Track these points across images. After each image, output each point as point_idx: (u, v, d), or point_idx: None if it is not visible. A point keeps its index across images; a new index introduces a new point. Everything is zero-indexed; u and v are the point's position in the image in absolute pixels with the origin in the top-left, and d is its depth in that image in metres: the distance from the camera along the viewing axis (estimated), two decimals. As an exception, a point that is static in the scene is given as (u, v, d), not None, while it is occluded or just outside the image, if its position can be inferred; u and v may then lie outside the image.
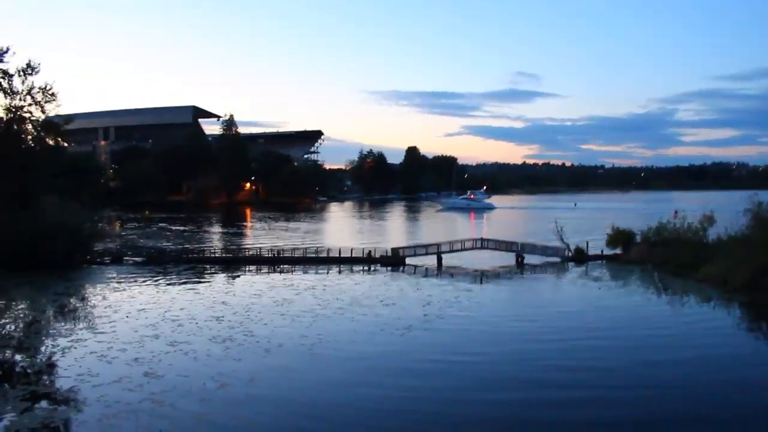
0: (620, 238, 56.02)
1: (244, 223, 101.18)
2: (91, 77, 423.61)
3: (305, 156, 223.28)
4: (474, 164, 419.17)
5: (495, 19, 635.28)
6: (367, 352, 24.78)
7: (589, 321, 30.81)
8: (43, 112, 48.16)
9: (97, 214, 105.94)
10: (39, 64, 46.78)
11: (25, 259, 42.60)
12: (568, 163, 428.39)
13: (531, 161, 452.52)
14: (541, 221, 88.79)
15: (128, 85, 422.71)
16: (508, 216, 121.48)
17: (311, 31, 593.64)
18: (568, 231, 57.98)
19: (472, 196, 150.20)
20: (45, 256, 43.59)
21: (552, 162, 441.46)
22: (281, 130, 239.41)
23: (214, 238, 71.61)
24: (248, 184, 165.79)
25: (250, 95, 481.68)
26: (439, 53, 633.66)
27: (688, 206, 77.00)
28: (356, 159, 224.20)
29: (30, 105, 47.51)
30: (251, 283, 41.61)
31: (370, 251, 51.37)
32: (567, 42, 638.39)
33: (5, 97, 47.05)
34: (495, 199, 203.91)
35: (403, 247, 52.35)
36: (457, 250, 51.31)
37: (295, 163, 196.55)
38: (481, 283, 42.30)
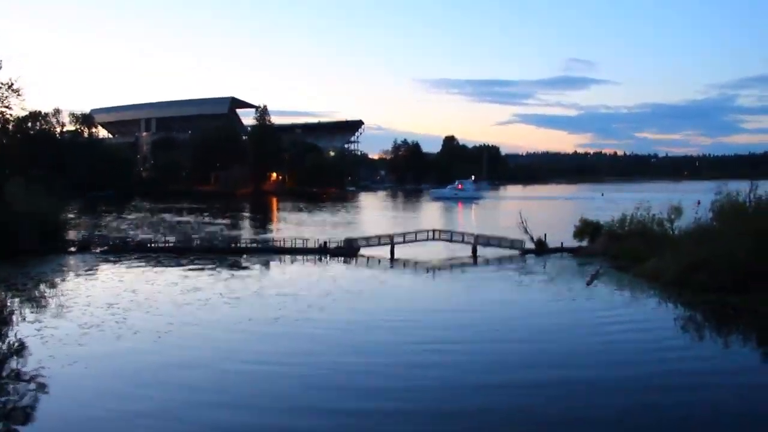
0: (587, 229, 54.94)
1: (249, 214, 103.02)
2: (136, 68, 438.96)
3: (345, 146, 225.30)
4: (524, 153, 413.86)
5: (547, 4, 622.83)
6: (197, 349, 24.42)
7: (462, 325, 28.84)
8: (7, 107, 50.16)
9: (129, 202, 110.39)
10: (0, 61, 48.87)
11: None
12: (621, 152, 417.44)
13: (583, 150, 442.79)
14: (533, 212, 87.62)
15: (174, 75, 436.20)
16: (497, 206, 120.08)
17: (360, 20, 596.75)
18: (564, 222, 57.06)
19: (459, 187, 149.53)
20: (5, 244, 45.74)
21: (605, 151, 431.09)
22: (324, 120, 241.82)
23: (203, 229, 73.25)
24: (275, 174, 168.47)
25: (297, 85, 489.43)
26: (490, 40, 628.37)
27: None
28: (390, 149, 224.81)
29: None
30: (183, 272, 42.55)
31: (325, 242, 51.88)
32: (622, 26, 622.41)
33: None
34: (532, 189, 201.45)
35: (357, 238, 52.65)
36: (410, 241, 51.28)
37: (332, 153, 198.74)
38: (433, 275, 42.80)
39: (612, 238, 51.32)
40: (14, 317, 29.53)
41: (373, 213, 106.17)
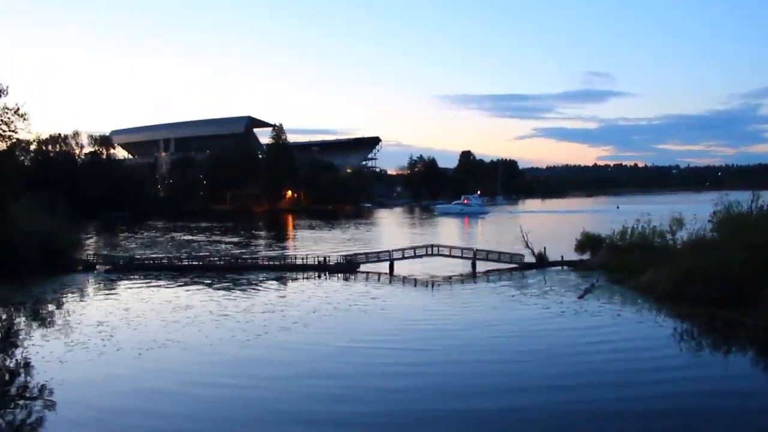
0: (588, 243, 54.63)
1: (261, 232, 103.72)
2: (155, 88, 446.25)
3: (363, 162, 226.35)
4: (544, 167, 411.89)
5: (566, 18, 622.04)
6: (166, 371, 24.59)
7: (444, 345, 27.91)
8: (13, 131, 51.25)
9: (144, 222, 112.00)
10: (7, 87, 50.08)
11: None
12: (641, 164, 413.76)
13: (603, 163, 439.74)
14: (544, 226, 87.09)
15: (192, 95, 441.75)
16: (505, 221, 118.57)
17: (379, 37, 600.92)
18: (571, 236, 56.99)
19: (466, 201, 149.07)
20: (8, 264, 46.62)
21: (625, 163, 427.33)
22: (343, 137, 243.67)
23: (209, 247, 74.01)
24: (290, 192, 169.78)
25: (316, 102, 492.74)
26: (509, 55, 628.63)
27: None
28: (407, 165, 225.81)
29: (1, 124, 50.77)
30: (179, 290, 43.04)
31: (324, 258, 52.19)
32: (641, 38, 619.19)
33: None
34: (550, 203, 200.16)
35: (356, 254, 52.89)
36: (408, 257, 51.29)
37: (349, 170, 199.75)
38: (431, 290, 42.69)
39: (612, 250, 50.95)
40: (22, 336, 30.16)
41: (385, 229, 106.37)
